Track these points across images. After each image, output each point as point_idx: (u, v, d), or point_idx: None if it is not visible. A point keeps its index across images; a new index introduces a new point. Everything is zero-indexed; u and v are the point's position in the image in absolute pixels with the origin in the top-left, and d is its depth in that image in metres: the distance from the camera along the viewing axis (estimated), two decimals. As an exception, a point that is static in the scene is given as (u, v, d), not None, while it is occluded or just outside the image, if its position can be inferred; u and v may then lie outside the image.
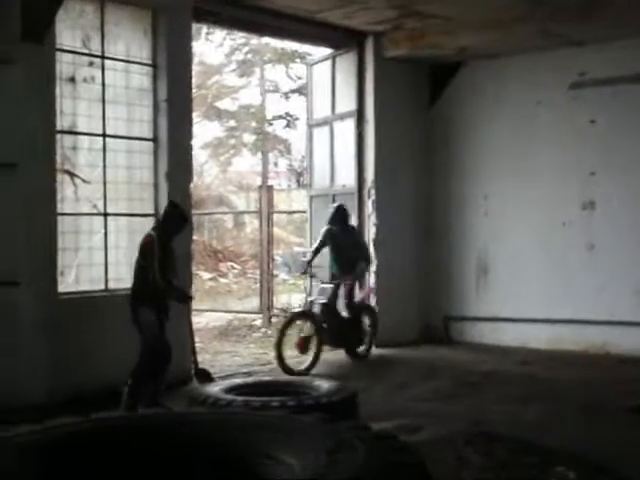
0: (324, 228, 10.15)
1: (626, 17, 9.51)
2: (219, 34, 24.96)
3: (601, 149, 10.65)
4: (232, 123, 26.87)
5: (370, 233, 11.33)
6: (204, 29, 22.94)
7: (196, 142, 23.51)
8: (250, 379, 7.83)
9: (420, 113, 12.01)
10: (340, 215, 10.12)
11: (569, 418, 7.22)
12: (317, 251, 10.09)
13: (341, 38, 11.30)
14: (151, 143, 8.79)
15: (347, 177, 11.55)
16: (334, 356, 10.79)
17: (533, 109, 11.18)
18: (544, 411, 7.38)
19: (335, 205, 10.31)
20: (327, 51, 11.93)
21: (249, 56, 26.72)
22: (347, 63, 11.51)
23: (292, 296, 15.15)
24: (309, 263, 10.05)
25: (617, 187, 10.50)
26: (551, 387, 7.76)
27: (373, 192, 11.29)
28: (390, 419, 7.14)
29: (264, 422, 2.78)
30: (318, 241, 10.14)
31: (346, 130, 11.53)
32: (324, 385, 6.57)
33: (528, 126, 11.22)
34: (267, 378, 7.93)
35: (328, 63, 11.87)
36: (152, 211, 8.76)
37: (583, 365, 9.59)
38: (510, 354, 10.09)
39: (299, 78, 26.63)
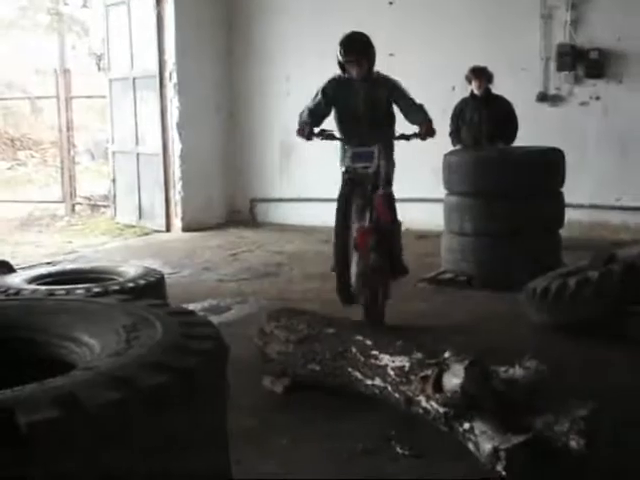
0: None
1: None
2: None
3: (399, 30, 10.85)
4: (24, 2, 25.29)
5: (173, 117, 11.15)
6: None
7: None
8: (54, 268, 7.66)
9: (222, -7, 11.79)
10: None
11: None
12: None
13: None
14: None
15: (148, 60, 11.24)
16: (138, 242, 10.73)
17: (333, -11, 11.20)
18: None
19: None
20: None
21: None
22: (143, -61, 11.06)
23: (96, 183, 14.84)
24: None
25: (414, 68, 10.78)
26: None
27: (175, 75, 11.06)
28: (199, 300, 7.26)
29: (62, 306, 2.75)
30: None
31: (145, 10, 11.14)
32: (130, 270, 6.53)
33: (329, 6, 11.25)
34: (71, 266, 7.77)
35: (123, -62, 11.37)
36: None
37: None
38: (313, 233, 10.35)
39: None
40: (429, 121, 6.17)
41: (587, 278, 5.74)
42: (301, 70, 11.29)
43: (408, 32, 10.81)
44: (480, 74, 8.56)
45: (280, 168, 11.75)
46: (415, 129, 6.21)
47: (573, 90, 10.15)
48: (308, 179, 11.36)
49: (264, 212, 11.96)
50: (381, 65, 10.97)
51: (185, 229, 11.13)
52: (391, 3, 10.92)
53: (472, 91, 8.67)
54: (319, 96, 6.25)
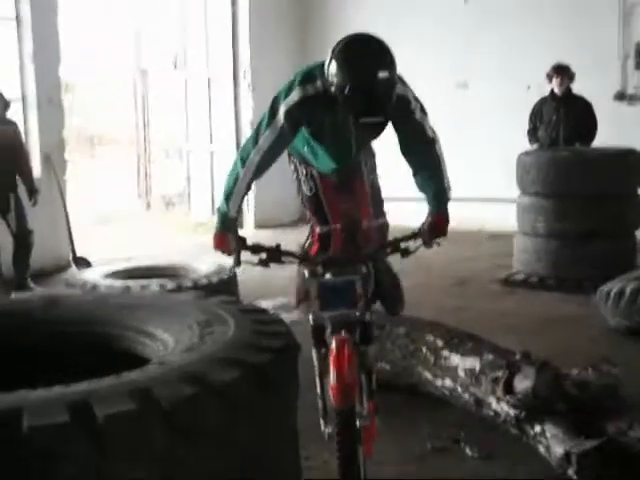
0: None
1: None
2: None
3: (474, 29, 10.77)
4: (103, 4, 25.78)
5: (247, 116, 11.26)
6: None
7: (65, 21, 22.42)
8: (129, 264, 7.79)
9: (296, -8, 11.87)
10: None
11: (442, 291, 7.55)
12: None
13: None
14: (13, 22, 8.38)
15: (222, 59, 11.37)
16: (211, 239, 10.84)
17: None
18: (417, 285, 7.65)
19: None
20: None
21: None
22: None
23: (171, 180, 15.04)
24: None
25: (489, 67, 10.70)
26: (425, 262, 8.03)
27: (249, 74, 11.17)
28: (270, 298, 7.30)
29: (138, 301, 2.82)
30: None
31: (220, 10, 11.29)
32: (203, 266, 6.63)
33: (405, 5, 11.21)
34: (146, 262, 7.90)
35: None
36: (18, 95, 8.45)
37: (457, 241, 9.90)
38: (386, 232, 10.32)
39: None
40: (444, 204, 3.79)
41: (664, 281, 5.63)
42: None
43: (484, 31, 10.72)
44: (563, 72, 8.40)
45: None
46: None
47: (652, 89, 9.95)
48: (382, 178, 11.33)
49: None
50: (455, 64, 10.99)
51: (258, 226, 11.22)
52: (466, 1, 10.84)
53: (552, 90, 8.52)
54: (281, 122, 3.75)
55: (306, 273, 3.33)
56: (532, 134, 8.61)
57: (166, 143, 18.72)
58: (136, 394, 1.85)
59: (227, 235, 3.55)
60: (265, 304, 6.97)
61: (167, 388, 1.89)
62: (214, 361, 2.05)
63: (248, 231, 11.17)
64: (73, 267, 8.31)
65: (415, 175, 3.89)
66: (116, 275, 6.42)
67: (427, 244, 3.50)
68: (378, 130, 3.56)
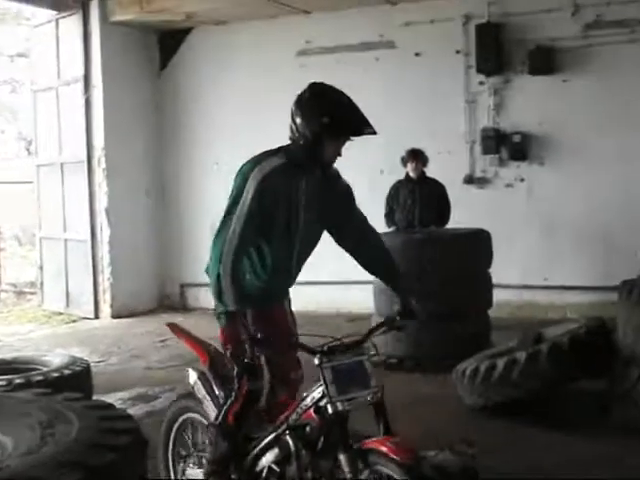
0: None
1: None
2: None
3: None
4: (-49, 88, 25.18)
5: (102, 202, 11.06)
6: None
7: None
8: (-26, 359, 7.42)
9: (150, 79, 11.88)
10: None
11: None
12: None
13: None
14: None
15: (76, 145, 11.19)
16: (65, 330, 10.52)
17: (263, 75, 11.34)
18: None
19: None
20: (51, 13, 11.43)
21: (-32, 16, 25.02)
22: (72, 26, 11.10)
23: (22, 269, 14.59)
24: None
25: (344, 152, 10.91)
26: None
27: (103, 160, 11.02)
28: (126, 389, 7.11)
29: (-24, 401, 2.66)
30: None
31: (73, 96, 11.14)
32: (55, 359, 6.38)
33: (259, 92, 11.37)
34: (-6, 356, 7.55)
35: (52, 25, 11.39)
36: None
37: (315, 324, 9.94)
38: (246, 317, 10.24)
39: (27, 40, 25.34)
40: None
41: (515, 359, 5.77)
42: (230, 155, 11.33)
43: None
44: (417, 156, 8.64)
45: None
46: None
47: (498, 172, 10.36)
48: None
49: (195, 297, 11.83)
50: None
51: (114, 316, 10.94)
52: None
53: (407, 173, 8.73)
54: (249, 199, 3.55)
55: (315, 360, 3.23)
56: (389, 217, 8.78)
57: (18, 230, 18.22)
58: (-34, 505, 1.72)
59: (250, 331, 3.43)
60: (121, 395, 6.78)
61: (1, 497, 1.77)
62: (53, 465, 1.94)
63: (104, 321, 10.89)
64: None
65: (375, 272, 4.04)
66: (-40, 371, 6.08)
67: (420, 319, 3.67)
68: (328, 211, 3.81)
